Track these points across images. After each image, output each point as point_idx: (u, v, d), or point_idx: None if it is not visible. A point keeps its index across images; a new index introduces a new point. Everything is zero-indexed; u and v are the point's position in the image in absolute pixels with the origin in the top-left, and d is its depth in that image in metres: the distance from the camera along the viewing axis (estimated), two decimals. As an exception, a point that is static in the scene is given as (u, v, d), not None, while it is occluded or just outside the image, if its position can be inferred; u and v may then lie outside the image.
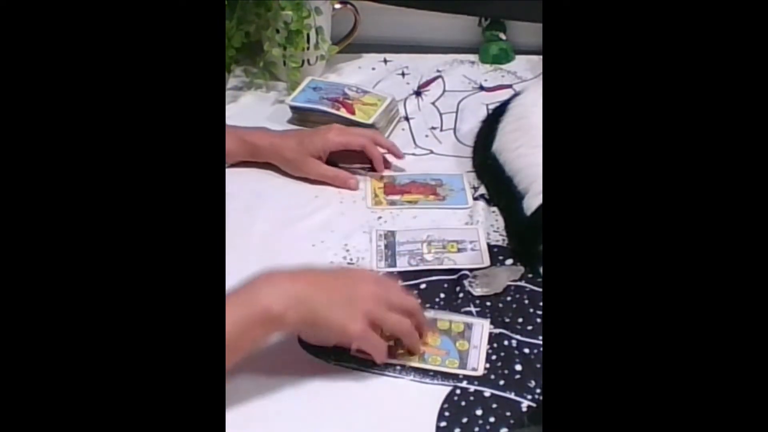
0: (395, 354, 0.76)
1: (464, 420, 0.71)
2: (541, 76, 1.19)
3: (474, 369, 0.76)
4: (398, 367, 0.76)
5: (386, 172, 1.03)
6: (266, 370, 0.73)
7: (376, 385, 0.75)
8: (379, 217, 0.96)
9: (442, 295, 0.84)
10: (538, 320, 0.81)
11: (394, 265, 0.88)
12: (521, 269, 0.87)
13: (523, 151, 0.94)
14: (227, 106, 1.16)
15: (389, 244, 0.91)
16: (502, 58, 1.27)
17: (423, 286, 0.86)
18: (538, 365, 0.76)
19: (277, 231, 0.94)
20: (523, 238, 0.90)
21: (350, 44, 1.25)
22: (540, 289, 0.84)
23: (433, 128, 1.13)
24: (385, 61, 1.28)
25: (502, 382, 0.75)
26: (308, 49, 1.18)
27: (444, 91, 1.21)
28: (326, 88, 1.15)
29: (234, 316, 0.67)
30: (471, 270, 0.87)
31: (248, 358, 0.71)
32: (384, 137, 1.05)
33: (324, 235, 0.93)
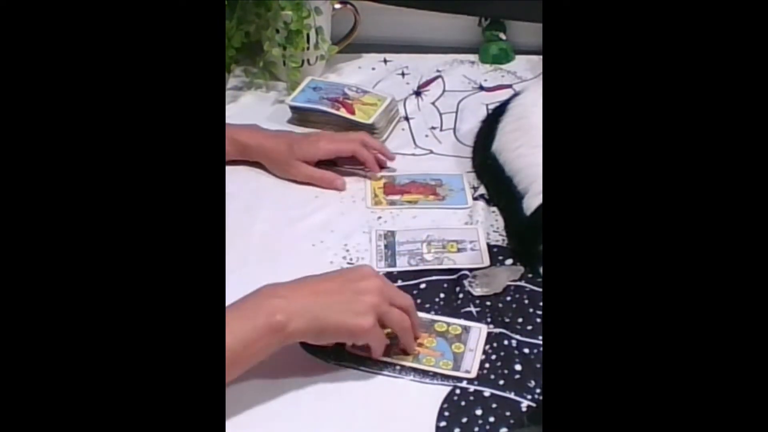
0: (390, 352, 0.76)
1: (464, 420, 0.71)
2: (541, 76, 1.19)
3: (467, 371, 0.75)
4: (398, 367, 0.76)
5: (386, 173, 1.03)
6: (266, 370, 0.73)
7: (376, 385, 0.75)
8: (379, 217, 0.96)
9: (442, 295, 0.84)
10: (538, 320, 0.81)
11: (394, 265, 0.88)
12: (521, 269, 0.87)
13: (523, 151, 0.94)
14: (227, 106, 1.16)
15: (389, 244, 0.91)
16: (502, 58, 1.27)
17: (423, 285, 0.86)
18: (538, 365, 0.76)
19: (277, 231, 0.94)
20: (523, 238, 0.90)
21: (350, 44, 1.25)
22: (540, 289, 0.84)
23: (433, 128, 1.13)
24: (385, 61, 1.28)
25: (501, 382, 0.75)
26: (308, 49, 1.18)
27: (444, 91, 1.21)
28: (326, 88, 1.15)
29: (238, 328, 0.67)
30: (471, 270, 0.87)
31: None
32: (373, 139, 1.04)
33: (324, 235, 0.93)
